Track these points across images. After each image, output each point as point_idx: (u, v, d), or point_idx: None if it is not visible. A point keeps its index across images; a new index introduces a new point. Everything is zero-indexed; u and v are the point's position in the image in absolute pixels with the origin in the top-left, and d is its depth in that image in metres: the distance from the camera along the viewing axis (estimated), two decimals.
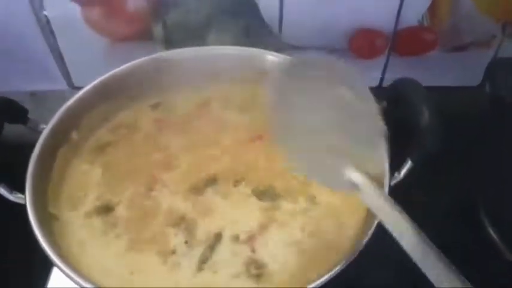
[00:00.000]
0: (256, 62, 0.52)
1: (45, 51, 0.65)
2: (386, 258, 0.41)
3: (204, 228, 0.40)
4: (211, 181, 0.44)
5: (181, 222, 0.40)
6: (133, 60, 0.52)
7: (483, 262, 0.51)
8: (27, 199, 0.37)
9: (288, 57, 0.51)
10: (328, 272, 0.34)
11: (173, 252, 0.38)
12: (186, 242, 0.39)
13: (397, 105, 0.44)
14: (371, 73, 0.69)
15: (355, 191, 0.33)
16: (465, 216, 0.54)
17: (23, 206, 0.37)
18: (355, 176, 0.32)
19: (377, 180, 0.34)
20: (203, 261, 0.38)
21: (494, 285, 0.48)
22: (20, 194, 0.38)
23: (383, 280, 0.47)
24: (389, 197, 0.32)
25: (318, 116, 0.34)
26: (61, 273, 0.34)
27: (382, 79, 0.70)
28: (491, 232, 0.52)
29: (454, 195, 0.52)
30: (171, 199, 0.43)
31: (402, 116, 0.43)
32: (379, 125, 0.33)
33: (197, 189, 0.44)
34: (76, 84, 0.69)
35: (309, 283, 0.34)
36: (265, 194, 0.43)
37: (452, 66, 0.69)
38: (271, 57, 0.52)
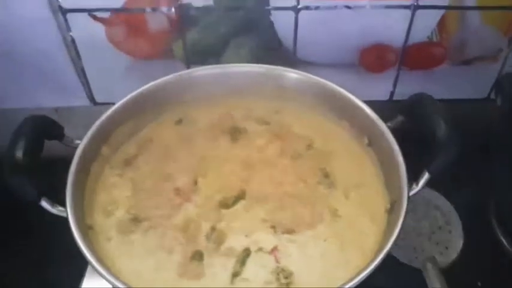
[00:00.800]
0: (275, 79, 0.54)
1: (70, 70, 0.68)
2: None
3: (232, 242, 0.42)
4: (239, 199, 0.46)
5: (211, 234, 0.42)
6: (153, 78, 0.55)
7: (492, 262, 0.53)
8: (68, 211, 0.39)
9: (305, 73, 0.54)
10: (355, 277, 0.36)
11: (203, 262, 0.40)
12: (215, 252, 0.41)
13: (412, 119, 0.46)
14: (381, 87, 0.72)
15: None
16: (476, 219, 0.56)
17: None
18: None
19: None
20: (235, 275, 0.40)
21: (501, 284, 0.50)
22: (60, 207, 0.40)
23: None
24: None
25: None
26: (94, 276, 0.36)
27: (392, 93, 0.72)
28: (499, 234, 0.54)
29: (465, 200, 0.54)
30: (198, 213, 0.45)
31: (416, 129, 0.45)
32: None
33: (226, 205, 0.46)
34: (98, 100, 0.72)
35: None
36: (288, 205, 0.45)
37: (460, 79, 0.71)
38: (290, 74, 0.54)
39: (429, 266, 0.50)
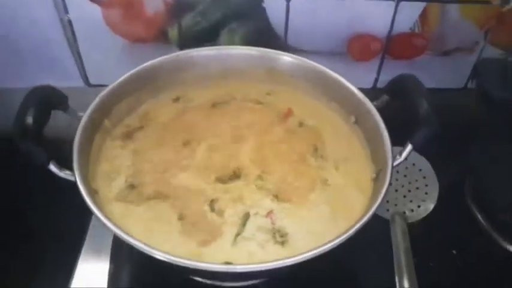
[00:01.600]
0: (269, 61, 0.58)
1: (66, 51, 0.69)
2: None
3: (232, 209, 0.46)
4: (235, 177, 0.49)
5: (211, 203, 0.46)
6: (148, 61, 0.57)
7: (471, 244, 0.57)
8: (76, 174, 0.41)
9: (298, 57, 0.57)
10: (342, 235, 0.39)
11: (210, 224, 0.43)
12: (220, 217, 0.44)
13: (396, 98, 0.50)
14: (366, 75, 0.76)
15: None
16: (454, 202, 0.61)
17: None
18: None
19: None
20: (238, 234, 0.44)
21: (481, 265, 0.55)
22: (68, 171, 0.42)
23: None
24: None
25: None
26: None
27: (376, 80, 0.76)
28: (478, 216, 0.59)
29: (444, 185, 0.58)
30: (197, 184, 0.48)
31: (401, 107, 0.49)
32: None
33: (223, 181, 0.48)
34: (92, 82, 0.73)
35: (329, 243, 0.39)
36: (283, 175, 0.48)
37: (440, 69, 0.76)
38: (283, 57, 0.57)
39: (397, 218, 0.55)
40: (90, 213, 0.50)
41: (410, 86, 0.47)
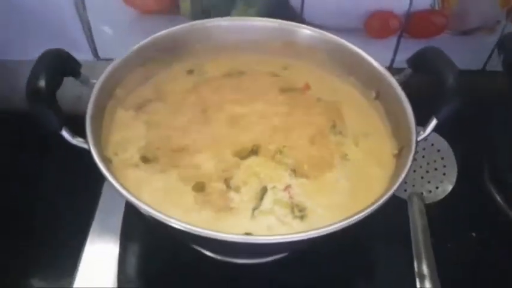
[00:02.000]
0: (287, 34, 0.56)
1: (75, 22, 0.67)
2: None
3: (249, 184, 0.44)
4: (252, 152, 0.47)
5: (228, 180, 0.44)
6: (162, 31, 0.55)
7: (490, 226, 0.56)
8: (89, 140, 0.39)
9: (318, 30, 0.55)
10: (365, 210, 0.38)
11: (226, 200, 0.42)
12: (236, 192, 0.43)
13: (420, 71, 0.48)
14: (383, 54, 0.73)
15: None
16: (473, 183, 0.59)
17: None
18: None
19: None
20: (255, 208, 0.42)
21: (500, 247, 0.54)
22: (80, 138, 0.40)
23: None
24: None
25: None
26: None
27: (393, 60, 0.74)
28: (497, 198, 0.58)
29: (462, 166, 0.57)
30: (213, 158, 0.46)
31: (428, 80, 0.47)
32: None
33: (239, 155, 0.47)
34: (101, 56, 0.72)
35: (352, 217, 0.37)
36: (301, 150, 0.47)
37: (458, 49, 0.73)
38: (302, 30, 0.55)
39: (415, 199, 0.54)
40: (98, 192, 0.50)
41: (436, 58, 0.45)
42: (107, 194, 0.54)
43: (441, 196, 0.56)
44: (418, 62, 0.48)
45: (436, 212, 0.54)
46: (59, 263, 0.50)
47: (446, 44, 0.73)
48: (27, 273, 0.50)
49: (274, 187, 0.44)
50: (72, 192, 0.55)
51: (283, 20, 0.57)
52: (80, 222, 0.52)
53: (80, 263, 0.48)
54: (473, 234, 0.55)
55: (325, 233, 0.37)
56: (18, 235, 0.52)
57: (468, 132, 0.61)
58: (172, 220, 0.36)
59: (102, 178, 0.38)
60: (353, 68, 0.54)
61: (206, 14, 0.66)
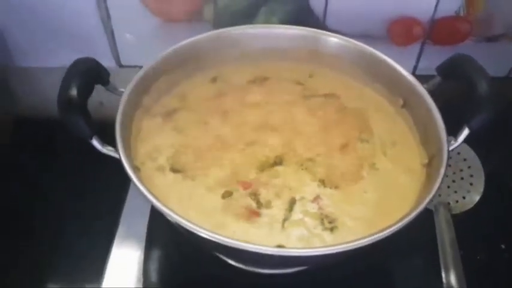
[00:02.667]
0: (313, 42, 0.55)
1: (99, 29, 0.68)
2: None
3: (278, 196, 0.44)
4: (278, 162, 0.47)
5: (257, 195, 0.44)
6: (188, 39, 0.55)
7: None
8: (119, 149, 0.39)
9: (344, 37, 0.54)
10: (398, 223, 0.37)
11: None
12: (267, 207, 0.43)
13: (450, 79, 0.48)
14: (405, 61, 0.72)
15: None
16: (501, 193, 0.58)
17: None
18: None
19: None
20: (285, 220, 0.42)
21: None
22: (110, 147, 0.40)
23: None
24: None
25: None
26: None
27: (415, 67, 0.73)
28: None
29: (490, 175, 0.56)
30: (241, 168, 0.46)
31: (455, 89, 0.46)
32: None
33: (266, 166, 0.46)
34: (123, 63, 0.72)
35: (381, 232, 0.37)
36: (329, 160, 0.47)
37: (482, 57, 0.71)
38: (328, 38, 0.55)
39: (441, 209, 0.53)
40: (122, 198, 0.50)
41: (467, 66, 0.45)
42: (132, 201, 0.54)
43: (468, 206, 0.55)
44: (448, 69, 0.47)
45: (463, 222, 0.53)
46: (83, 267, 0.50)
47: (470, 51, 0.70)
48: (49, 276, 0.50)
49: (302, 198, 0.43)
50: (95, 198, 0.55)
51: (308, 28, 0.57)
52: (104, 227, 0.52)
53: (106, 266, 0.49)
54: (503, 246, 0.53)
55: (356, 246, 0.36)
56: (40, 239, 0.53)
57: (495, 141, 0.60)
58: (202, 230, 0.35)
59: (126, 184, 0.38)
60: (379, 76, 0.54)
61: (229, 21, 0.66)
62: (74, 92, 0.39)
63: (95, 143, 0.40)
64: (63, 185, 0.57)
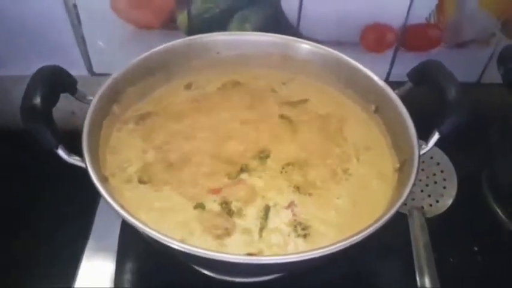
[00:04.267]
0: (285, 48, 0.55)
1: (70, 38, 0.66)
2: None
3: (251, 205, 0.43)
4: (249, 169, 0.46)
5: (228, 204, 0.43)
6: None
7: (492, 240, 0.56)
8: (86, 159, 0.38)
9: (317, 44, 0.55)
10: (369, 228, 0.37)
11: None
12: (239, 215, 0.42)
13: (421, 85, 0.48)
14: (379, 67, 0.73)
15: None
16: (473, 197, 0.59)
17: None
18: None
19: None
20: (262, 229, 0.41)
21: (503, 261, 0.53)
22: (76, 157, 0.39)
23: None
24: None
25: None
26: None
27: (389, 73, 0.74)
28: (498, 211, 0.57)
29: (462, 179, 0.57)
30: (213, 176, 0.45)
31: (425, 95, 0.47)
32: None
33: (237, 175, 0.46)
34: (96, 71, 0.71)
35: (353, 237, 0.36)
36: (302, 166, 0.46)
37: (454, 62, 0.72)
38: (301, 44, 0.55)
39: (415, 213, 0.53)
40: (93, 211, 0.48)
41: (437, 71, 0.45)
42: (103, 211, 0.53)
43: (442, 210, 0.56)
44: (418, 75, 0.48)
45: (437, 225, 0.54)
46: (54, 282, 0.49)
47: (442, 57, 0.72)
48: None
49: (276, 204, 0.43)
50: (67, 210, 0.53)
51: (280, 35, 0.57)
52: (75, 240, 0.51)
53: (75, 280, 0.47)
54: (476, 248, 0.54)
55: (328, 252, 0.36)
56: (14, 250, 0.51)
57: (466, 145, 0.61)
58: (173, 241, 0.34)
59: (97, 194, 0.37)
60: (351, 82, 0.54)
61: (202, 28, 0.66)
62: (37, 100, 0.38)
63: (61, 152, 0.39)
64: (31, 197, 0.55)
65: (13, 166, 0.59)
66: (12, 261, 0.50)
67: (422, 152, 0.43)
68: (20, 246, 0.51)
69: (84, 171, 0.39)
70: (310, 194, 0.44)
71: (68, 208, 0.54)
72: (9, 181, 0.58)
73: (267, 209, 0.42)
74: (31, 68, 0.45)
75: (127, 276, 0.49)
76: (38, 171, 0.58)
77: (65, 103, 0.48)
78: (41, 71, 0.41)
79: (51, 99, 0.40)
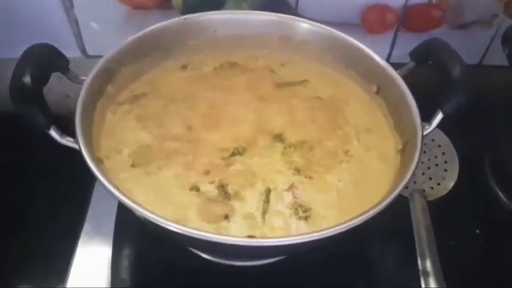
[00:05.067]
0: (284, 28, 0.54)
1: (62, 18, 0.64)
2: None
3: (253, 186, 0.42)
4: (247, 151, 0.45)
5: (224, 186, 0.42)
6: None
7: (486, 210, 0.56)
8: (79, 140, 0.37)
9: (317, 23, 0.53)
10: (371, 210, 0.36)
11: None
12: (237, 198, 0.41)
13: (425, 64, 0.47)
14: (379, 49, 0.72)
15: None
16: (475, 179, 0.58)
17: None
18: None
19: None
20: (265, 212, 0.40)
21: (504, 243, 0.53)
22: (69, 138, 0.38)
23: None
24: None
25: None
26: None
27: (389, 55, 0.73)
28: (500, 194, 0.57)
29: (464, 162, 0.56)
30: (211, 157, 0.44)
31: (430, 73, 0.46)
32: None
33: (237, 153, 0.45)
34: (90, 53, 0.69)
35: (354, 219, 0.35)
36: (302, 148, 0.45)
37: (455, 44, 0.71)
38: (300, 23, 0.53)
39: (416, 196, 0.53)
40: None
41: (441, 50, 0.44)
42: (99, 195, 0.51)
43: (443, 193, 0.55)
44: (421, 54, 0.46)
45: (438, 208, 0.53)
46: (50, 265, 0.48)
47: (443, 38, 0.70)
48: (15, 275, 0.48)
49: (276, 187, 0.42)
50: (60, 194, 0.52)
51: (279, 13, 0.55)
52: (72, 223, 0.50)
53: (71, 265, 0.46)
54: (477, 231, 0.53)
55: (329, 234, 0.35)
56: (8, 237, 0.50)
57: (468, 127, 0.60)
58: (172, 224, 0.33)
59: (93, 177, 0.36)
60: (352, 62, 0.53)
61: (198, 8, 0.64)
62: (27, 79, 0.36)
63: (53, 133, 0.38)
64: (27, 180, 0.54)
65: (10, 148, 0.58)
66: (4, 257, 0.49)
67: (425, 132, 0.42)
68: (17, 243, 0.50)
69: (79, 154, 0.38)
70: (310, 177, 0.43)
71: (62, 193, 0.52)
72: (6, 178, 0.57)
73: (268, 192, 0.41)
74: (23, 50, 0.43)
75: (124, 262, 0.48)
76: (33, 155, 0.56)
77: (58, 86, 0.47)
78: (30, 50, 0.39)
79: (41, 78, 0.38)
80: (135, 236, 0.50)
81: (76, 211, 0.50)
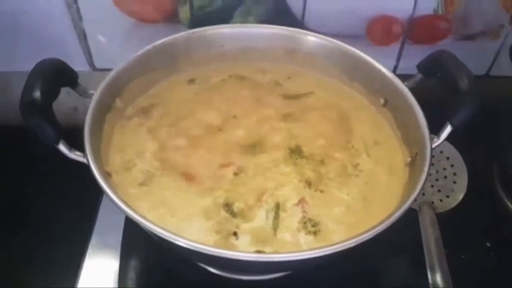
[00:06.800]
0: (291, 41, 0.54)
1: (70, 32, 0.65)
2: None
3: (262, 200, 0.42)
4: (260, 152, 0.45)
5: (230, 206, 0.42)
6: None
7: (505, 235, 0.55)
8: (88, 154, 0.37)
9: (324, 36, 0.53)
10: (380, 225, 0.36)
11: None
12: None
13: (432, 76, 0.47)
14: (385, 61, 0.72)
15: None
16: (484, 191, 0.58)
17: None
18: None
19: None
20: (275, 228, 0.40)
21: (509, 248, 0.52)
22: (78, 152, 0.38)
23: None
24: None
25: None
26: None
27: (395, 67, 0.73)
28: (505, 199, 0.56)
29: (473, 173, 0.55)
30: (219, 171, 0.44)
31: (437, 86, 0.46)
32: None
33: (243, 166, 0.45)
34: (97, 66, 0.69)
35: (364, 234, 0.35)
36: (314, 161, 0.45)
37: (461, 55, 0.71)
38: (307, 37, 0.54)
39: (426, 208, 0.52)
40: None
41: (449, 62, 0.44)
42: (106, 207, 0.51)
43: (452, 205, 0.54)
44: (429, 66, 0.46)
45: (448, 221, 0.52)
46: (57, 278, 0.48)
47: (450, 49, 0.71)
48: None
49: (286, 201, 0.42)
50: (68, 208, 0.52)
51: (285, 27, 0.55)
52: (79, 237, 0.50)
53: (79, 277, 0.46)
54: (488, 244, 0.53)
55: (339, 249, 0.35)
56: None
57: (476, 139, 0.59)
58: (179, 239, 0.33)
59: (101, 193, 0.36)
60: (359, 75, 0.53)
61: (205, 21, 0.64)
62: (37, 93, 0.36)
63: (62, 147, 0.38)
64: (36, 194, 0.55)
65: (19, 162, 0.58)
66: (12, 260, 0.49)
67: (434, 145, 0.42)
68: (20, 244, 0.51)
69: (87, 168, 0.38)
70: (320, 190, 0.43)
71: (70, 206, 0.52)
72: (11, 178, 0.57)
73: (277, 207, 0.41)
74: (32, 63, 0.44)
75: (131, 274, 0.48)
76: (40, 169, 0.57)
77: (67, 99, 0.47)
78: (40, 64, 0.40)
79: (51, 93, 0.39)
80: (142, 249, 0.50)
81: (84, 224, 0.50)
